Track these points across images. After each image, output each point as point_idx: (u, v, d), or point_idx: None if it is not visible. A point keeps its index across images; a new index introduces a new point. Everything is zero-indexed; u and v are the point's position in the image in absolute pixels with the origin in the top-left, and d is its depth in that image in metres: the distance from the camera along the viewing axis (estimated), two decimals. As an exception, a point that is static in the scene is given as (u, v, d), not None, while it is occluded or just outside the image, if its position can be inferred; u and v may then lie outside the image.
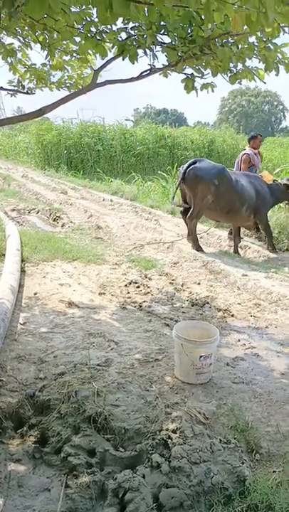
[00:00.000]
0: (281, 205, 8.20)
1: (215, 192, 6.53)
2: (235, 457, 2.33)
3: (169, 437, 2.43)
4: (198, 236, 7.05)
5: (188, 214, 6.76)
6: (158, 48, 3.71)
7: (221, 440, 2.45)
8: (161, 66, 3.83)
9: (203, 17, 2.83)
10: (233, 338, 3.93)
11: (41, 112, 3.56)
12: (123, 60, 3.61)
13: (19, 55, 4.63)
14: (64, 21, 3.30)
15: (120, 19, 3.37)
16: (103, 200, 11.47)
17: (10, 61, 4.62)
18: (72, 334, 3.75)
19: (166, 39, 3.63)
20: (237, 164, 7.93)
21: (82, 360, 3.23)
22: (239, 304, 4.74)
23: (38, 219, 9.36)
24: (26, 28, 3.97)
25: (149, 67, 3.83)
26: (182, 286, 5.23)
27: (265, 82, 4.01)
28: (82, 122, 19.76)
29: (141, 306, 4.52)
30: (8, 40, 4.46)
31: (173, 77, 4.17)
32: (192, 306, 4.62)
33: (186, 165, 6.69)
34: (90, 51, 4.06)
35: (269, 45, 3.46)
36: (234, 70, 3.84)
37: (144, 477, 2.21)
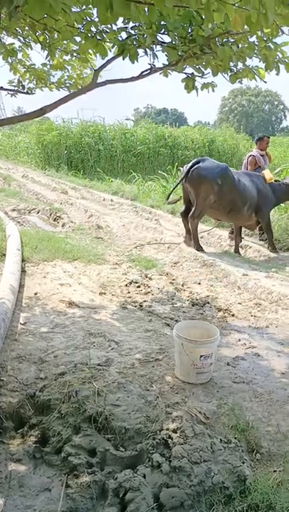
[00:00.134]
0: (282, 205, 8.19)
1: (218, 191, 6.53)
2: (235, 457, 2.33)
3: (170, 437, 2.43)
4: (199, 236, 7.04)
5: (190, 213, 6.76)
6: (158, 47, 3.71)
7: (221, 440, 2.45)
8: (162, 65, 3.83)
9: (203, 16, 2.82)
10: (234, 337, 3.93)
11: (42, 111, 3.56)
12: (123, 59, 3.61)
13: (20, 55, 4.64)
14: (64, 21, 3.31)
15: (120, 19, 3.38)
16: (103, 199, 11.47)
17: (10, 61, 4.63)
18: (73, 334, 3.75)
19: (167, 38, 3.63)
20: (244, 166, 7.93)
21: (83, 359, 3.23)
22: (240, 303, 4.74)
23: (38, 219, 9.37)
24: (27, 28, 3.98)
25: (149, 66, 3.83)
26: (183, 285, 5.23)
27: (265, 82, 4.01)
28: (82, 122, 19.76)
29: (141, 306, 4.52)
30: (8, 40, 4.47)
31: (173, 77, 4.19)
32: (192, 305, 4.62)
33: (190, 164, 6.68)
34: (90, 51, 4.06)
35: (269, 44, 3.45)
36: (234, 69, 3.83)
37: (144, 477, 2.21)
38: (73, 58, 4.56)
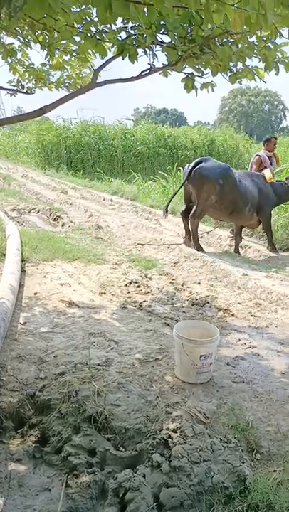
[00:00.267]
0: (282, 205, 8.19)
1: (219, 192, 6.54)
2: (235, 456, 2.33)
3: (170, 437, 2.43)
4: (199, 236, 7.05)
5: (191, 213, 6.76)
6: (158, 47, 3.71)
7: (221, 439, 2.45)
8: (161, 65, 3.83)
9: (203, 16, 2.82)
10: (234, 337, 3.93)
11: (41, 111, 3.56)
12: (123, 59, 3.61)
13: (19, 54, 4.63)
14: (64, 21, 3.30)
15: (120, 19, 3.38)
16: (103, 199, 11.47)
17: (10, 61, 4.63)
18: (73, 334, 3.75)
19: (166, 38, 3.62)
20: (250, 167, 7.94)
21: (83, 359, 3.23)
22: (239, 303, 4.74)
23: (38, 219, 9.37)
24: (26, 27, 3.97)
25: (148, 66, 3.82)
26: (182, 285, 5.23)
27: (265, 82, 4.02)
28: (82, 122, 19.74)
29: (141, 306, 4.52)
30: (8, 40, 4.47)
31: (173, 77, 4.18)
32: (192, 305, 4.62)
33: (192, 164, 6.69)
34: (89, 51, 4.06)
35: (269, 44, 3.45)
36: (234, 69, 3.83)
37: (144, 477, 2.21)
38: (73, 58, 4.56)
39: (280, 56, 3.57)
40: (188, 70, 3.89)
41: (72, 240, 7.10)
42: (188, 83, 3.94)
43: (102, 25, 3.50)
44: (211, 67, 3.71)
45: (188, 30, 3.49)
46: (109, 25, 3.52)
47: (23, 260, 5.57)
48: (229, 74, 3.83)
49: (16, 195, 11.67)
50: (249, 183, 6.90)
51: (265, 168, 7.54)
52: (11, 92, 4.88)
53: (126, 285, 5.11)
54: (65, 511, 2.08)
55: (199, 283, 5.37)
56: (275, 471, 2.32)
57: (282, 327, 4.18)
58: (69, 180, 14.80)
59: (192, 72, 3.89)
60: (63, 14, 2.98)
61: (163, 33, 3.55)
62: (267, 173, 7.30)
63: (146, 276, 5.46)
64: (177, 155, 19.46)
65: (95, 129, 18.84)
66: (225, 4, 2.29)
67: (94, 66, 4.37)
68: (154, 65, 3.81)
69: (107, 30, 3.61)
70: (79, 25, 3.55)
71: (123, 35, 3.65)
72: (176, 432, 2.46)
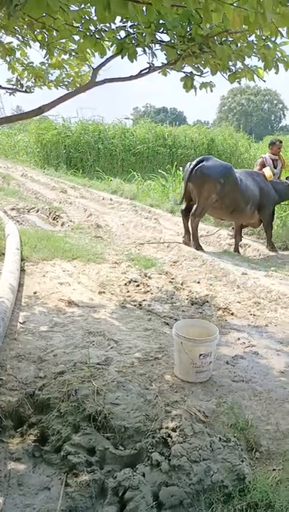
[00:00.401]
0: (281, 204, 8.20)
1: (220, 191, 6.55)
2: (234, 455, 2.34)
3: (169, 436, 2.43)
4: (199, 235, 7.04)
5: (192, 212, 6.75)
6: (157, 46, 3.70)
7: (220, 438, 2.45)
8: (160, 64, 3.82)
9: (202, 15, 2.82)
10: (233, 336, 3.93)
11: (40, 110, 3.55)
12: (122, 58, 3.60)
13: (18, 53, 4.63)
14: (63, 20, 3.30)
15: (119, 18, 3.37)
16: (103, 199, 11.47)
17: (8, 60, 4.62)
18: (72, 333, 3.75)
19: (165, 37, 3.62)
20: (255, 168, 7.95)
21: (82, 358, 3.23)
22: (239, 302, 4.75)
23: (37, 218, 9.36)
24: (25, 26, 3.97)
25: (148, 65, 3.82)
26: (182, 284, 5.23)
27: (264, 81, 4.01)
28: (81, 121, 19.72)
29: (141, 305, 4.52)
30: (7, 39, 4.46)
31: (172, 76, 4.16)
32: (192, 304, 4.62)
33: (194, 163, 6.69)
34: (88, 50, 4.05)
35: (268, 43, 3.44)
36: (233, 68, 3.82)
37: (144, 475, 2.21)
38: (72, 57, 4.55)
39: (280, 55, 3.56)
40: (188, 69, 3.89)
41: (71, 239, 7.09)
42: (188, 82, 3.94)
43: (101, 24, 3.49)
44: (210, 66, 3.70)
45: (188, 29, 3.48)
46: (108, 24, 3.51)
47: (22, 259, 5.57)
48: (228, 73, 3.83)
49: (15, 195, 11.66)
50: (250, 182, 6.92)
51: (274, 168, 7.55)
52: (10, 91, 4.87)
53: (125, 284, 5.11)
54: (65, 510, 2.08)
55: (199, 282, 5.37)
56: (274, 469, 2.32)
57: (281, 326, 4.19)
58: (68, 180, 14.79)
59: (191, 71, 3.88)
60: (62, 13, 2.98)
61: (162, 32, 3.54)
62: (267, 171, 7.31)
63: (146, 276, 5.46)
64: (177, 154, 19.44)
65: (94, 128, 18.82)
66: (224, 3, 2.29)
67: (93, 63, 4.37)
68: (153, 64, 3.81)
69: (106, 29, 3.61)
70: (78, 24, 3.55)
71: (122, 34, 3.64)
72: (176, 431, 2.47)
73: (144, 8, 2.69)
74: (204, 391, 2.98)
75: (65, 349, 3.44)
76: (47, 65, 4.69)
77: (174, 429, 2.48)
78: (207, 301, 4.68)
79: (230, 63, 3.72)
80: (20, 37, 4.32)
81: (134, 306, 4.51)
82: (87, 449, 2.43)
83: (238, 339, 3.87)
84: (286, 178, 7.48)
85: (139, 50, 3.65)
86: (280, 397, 2.97)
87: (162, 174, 13.03)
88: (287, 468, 2.33)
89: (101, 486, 2.21)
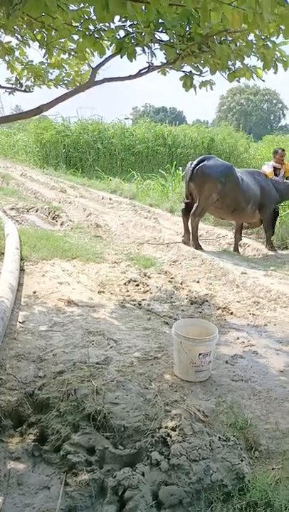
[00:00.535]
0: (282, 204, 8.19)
1: (221, 190, 6.55)
2: (234, 455, 2.34)
3: (168, 435, 2.43)
4: (198, 234, 7.05)
5: (192, 211, 6.75)
6: (156, 45, 3.70)
7: (220, 438, 2.45)
8: (160, 64, 3.82)
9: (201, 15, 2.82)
10: (232, 336, 3.93)
11: (39, 110, 3.55)
12: (121, 57, 3.60)
13: (17, 53, 4.62)
14: (62, 19, 3.29)
15: (119, 17, 3.37)
16: (102, 198, 11.46)
17: (8, 59, 4.61)
18: (72, 332, 3.75)
19: (165, 37, 3.61)
20: None
21: (82, 358, 3.23)
22: (238, 301, 4.75)
23: (37, 217, 9.36)
24: (24, 26, 3.96)
25: (147, 64, 3.82)
26: (181, 284, 5.24)
27: (263, 80, 4.00)
28: (81, 121, 19.70)
29: (140, 305, 4.52)
30: (6, 38, 4.45)
31: (171, 75, 4.16)
32: (191, 304, 4.62)
33: (195, 162, 6.69)
34: (88, 49, 4.05)
35: (267, 43, 3.44)
36: (232, 67, 3.82)
37: (143, 475, 2.21)
38: (71, 57, 4.55)
39: (279, 55, 3.56)
40: (187, 68, 3.89)
41: (71, 239, 7.09)
42: (187, 81, 3.94)
43: (101, 24, 3.49)
44: (209, 65, 3.70)
45: (187, 29, 3.48)
46: (107, 24, 3.50)
47: (22, 259, 5.57)
48: (228, 72, 3.83)
49: (14, 194, 11.66)
50: (251, 182, 6.93)
51: (276, 176, 7.54)
52: (9, 90, 4.87)
53: (125, 284, 5.11)
54: (64, 509, 2.08)
55: (198, 281, 5.37)
56: (273, 468, 2.33)
57: (280, 325, 4.19)
58: (68, 179, 14.78)
59: (191, 71, 3.88)
60: (61, 12, 2.97)
61: (161, 31, 3.54)
62: (266, 168, 7.35)
63: (145, 275, 5.46)
64: (176, 154, 19.43)
65: (94, 128, 18.80)
66: (222, 3, 2.29)
67: (92, 63, 4.37)
68: (152, 64, 3.80)
69: (106, 29, 3.60)
70: (77, 24, 3.54)
71: (121, 33, 3.64)
72: (175, 430, 2.47)
73: (143, 8, 2.69)
74: (204, 390, 2.99)
75: (64, 348, 3.44)
76: (46, 64, 4.68)
77: (173, 429, 2.48)
78: (206, 301, 4.68)
79: (230, 63, 3.72)
80: (19, 36, 4.31)
81: (134, 305, 4.51)
82: (87, 448, 2.43)
83: (238, 338, 3.87)
84: (286, 178, 7.48)
85: (138, 49, 3.65)
86: (280, 397, 2.98)
87: (162, 174, 13.03)
88: (286, 467, 2.33)
89: (100, 485, 2.21)
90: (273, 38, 3.39)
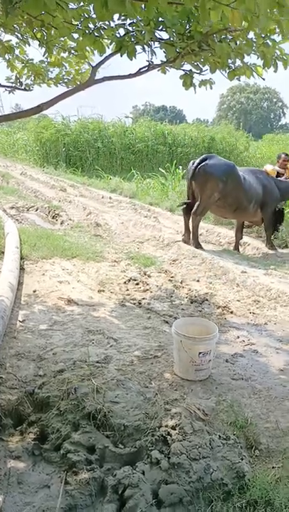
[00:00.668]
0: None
1: (222, 189, 6.55)
2: (234, 453, 2.34)
3: (169, 434, 2.44)
4: (199, 233, 7.04)
5: (193, 210, 6.75)
6: (156, 44, 3.69)
7: (220, 436, 2.45)
8: (160, 62, 3.81)
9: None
10: (232, 334, 3.93)
11: (39, 108, 3.55)
12: (121, 56, 3.59)
13: (17, 51, 4.61)
14: (62, 18, 3.29)
15: (119, 16, 3.36)
16: (102, 197, 11.46)
17: (8, 58, 4.60)
18: (72, 331, 3.75)
19: (165, 35, 3.61)
20: None
21: (82, 357, 3.23)
22: (238, 300, 4.75)
23: (36, 216, 9.36)
24: (24, 24, 3.95)
25: (147, 63, 3.81)
26: (181, 283, 5.24)
27: (263, 79, 3.99)
28: (81, 119, 19.68)
29: (140, 303, 4.52)
30: (5, 36, 4.44)
31: (171, 74, 4.15)
32: (191, 303, 4.62)
33: (197, 161, 6.69)
34: (88, 48, 4.04)
35: (267, 41, 3.44)
36: (232, 66, 3.82)
37: (143, 473, 2.21)
38: (71, 56, 4.54)
39: (279, 53, 3.56)
40: (187, 66, 3.88)
41: (71, 238, 7.09)
42: (187, 80, 3.93)
43: (100, 22, 3.48)
44: (209, 64, 3.70)
45: (187, 27, 3.48)
46: (107, 22, 3.50)
47: (22, 258, 5.57)
48: (228, 71, 3.82)
49: (14, 193, 11.65)
50: (253, 180, 6.93)
51: (280, 176, 7.55)
52: (9, 89, 4.86)
53: (125, 283, 5.11)
54: (65, 508, 2.08)
55: (198, 280, 5.37)
56: (273, 467, 2.33)
57: (280, 324, 4.19)
58: (68, 178, 14.77)
59: (191, 69, 3.88)
60: (61, 11, 2.96)
61: (161, 30, 3.53)
62: (268, 167, 7.37)
63: (145, 274, 5.46)
64: (176, 152, 19.42)
65: (94, 127, 18.78)
66: (220, 4, 2.28)
67: (93, 61, 4.36)
68: (152, 62, 3.80)
69: (106, 27, 3.59)
70: (77, 22, 3.53)
71: (121, 31, 3.63)
72: (175, 429, 2.47)
73: (142, 6, 2.69)
74: (204, 389, 2.99)
75: (64, 347, 3.44)
76: (46, 63, 4.67)
77: (173, 427, 2.49)
78: (206, 300, 4.68)
79: (230, 61, 3.71)
80: (19, 35, 4.30)
81: (134, 304, 4.51)
82: (87, 447, 2.43)
83: (238, 337, 3.87)
84: (287, 178, 7.48)
85: (138, 48, 3.64)
86: (280, 395, 2.98)
87: (162, 173, 13.01)
88: (286, 465, 2.33)
89: (101, 484, 2.21)
90: (273, 36, 3.39)
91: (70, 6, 3.07)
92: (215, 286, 5.15)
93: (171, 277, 5.42)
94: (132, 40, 3.60)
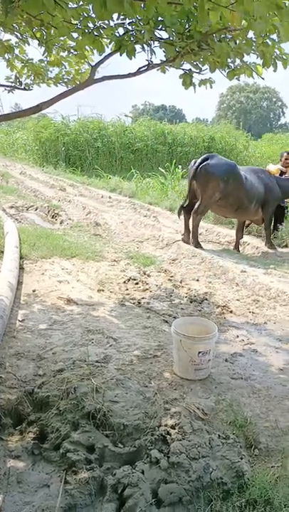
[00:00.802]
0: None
1: (224, 189, 6.55)
2: (234, 452, 2.34)
3: (168, 433, 2.44)
4: (199, 233, 7.04)
5: (194, 209, 6.74)
6: (156, 43, 3.69)
7: (219, 436, 2.45)
8: (159, 62, 3.81)
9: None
10: (232, 334, 3.93)
11: (38, 108, 3.55)
12: (121, 55, 3.59)
13: (16, 51, 4.61)
14: (61, 17, 3.28)
15: (118, 15, 3.36)
16: (102, 197, 11.46)
17: (7, 57, 4.60)
18: (71, 331, 3.75)
19: (164, 34, 3.61)
20: None
21: (81, 356, 3.23)
22: (238, 300, 4.75)
23: (36, 216, 9.36)
24: (23, 24, 3.95)
25: (146, 62, 3.81)
26: (181, 282, 5.24)
27: (263, 78, 3.99)
28: (80, 119, 19.67)
29: (140, 303, 4.52)
30: (5, 36, 4.44)
31: (171, 73, 4.15)
32: (191, 302, 4.62)
33: (199, 161, 6.68)
34: (87, 47, 4.04)
35: (267, 40, 3.44)
36: (232, 65, 3.82)
37: (143, 473, 2.21)
38: (70, 55, 4.54)
39: (278, 53, 3.55)
40: (187, 66, 3.88)
41: (70, 237, 7.09)
42: (187, 79, 3.93)
43: (100, 22, 3.48)
44: (209, 63, 3.70)
45: (186, 26, 3.48)
46: (106, 22, 3.50)
47: (21, 257, 5.57)
48: (227, 70, 3.82)
49: (14, 193, 11.65)
50: (255, 180, 6.93)
51: (283, 174, 7.56)
52: (8, 88, 4.85)
53: (124, 282, 5.11)
54: (64, 507, 2.08)
55: (198, 280, 5.37)
56: (273, 466, 2.33)
57: (280, 323, 4.19)
58: (67, 178, 14.76)
59: (190, 69, 3.88)
60: (60, 10, 2.96)
61: (161, 29, 3.53)
62: (271, 167, 7.38)
63: (145, 273, 5.46)
64: (176, 152, 19.41)
65: (94, 126, 18.77)
66: (219, 6, 2.28)
67: (92, 61, 4.36)
68: (151, 62, 3.80)
69: (105, 27, 3.59)
70: (76, 22, 3.53)
71: (121, 31, 3.63)
72: (175, 428, 2.47)
73: (142, 5, 2.69)
74: (203, 388, 2.99)
75: (64, 347, 3.44)
76: (46, 62, 4.67)
77: (173, 427, 2.49)
78: (206, 299, 4.69)
79: (229, 60, 3.71)
80: (18, 34, 4.30)
81: (133, 304, 4.51)
82: (87, 446, 2.43)
83: (237, 337, 3.87)
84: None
85: (137, 47, 3.64)
86: (279, 395, 2.98)
87: (161, 172, 13.01)
88: (285, 465, 2.34)
89: (100, 483, 2.21)
90: (273, 36, 3.39)
91: (70, 6, 3.07)
92: (214, 286, 5.15)
93: (171, 277, 5.42)
94: (132, 39, 3.60)
